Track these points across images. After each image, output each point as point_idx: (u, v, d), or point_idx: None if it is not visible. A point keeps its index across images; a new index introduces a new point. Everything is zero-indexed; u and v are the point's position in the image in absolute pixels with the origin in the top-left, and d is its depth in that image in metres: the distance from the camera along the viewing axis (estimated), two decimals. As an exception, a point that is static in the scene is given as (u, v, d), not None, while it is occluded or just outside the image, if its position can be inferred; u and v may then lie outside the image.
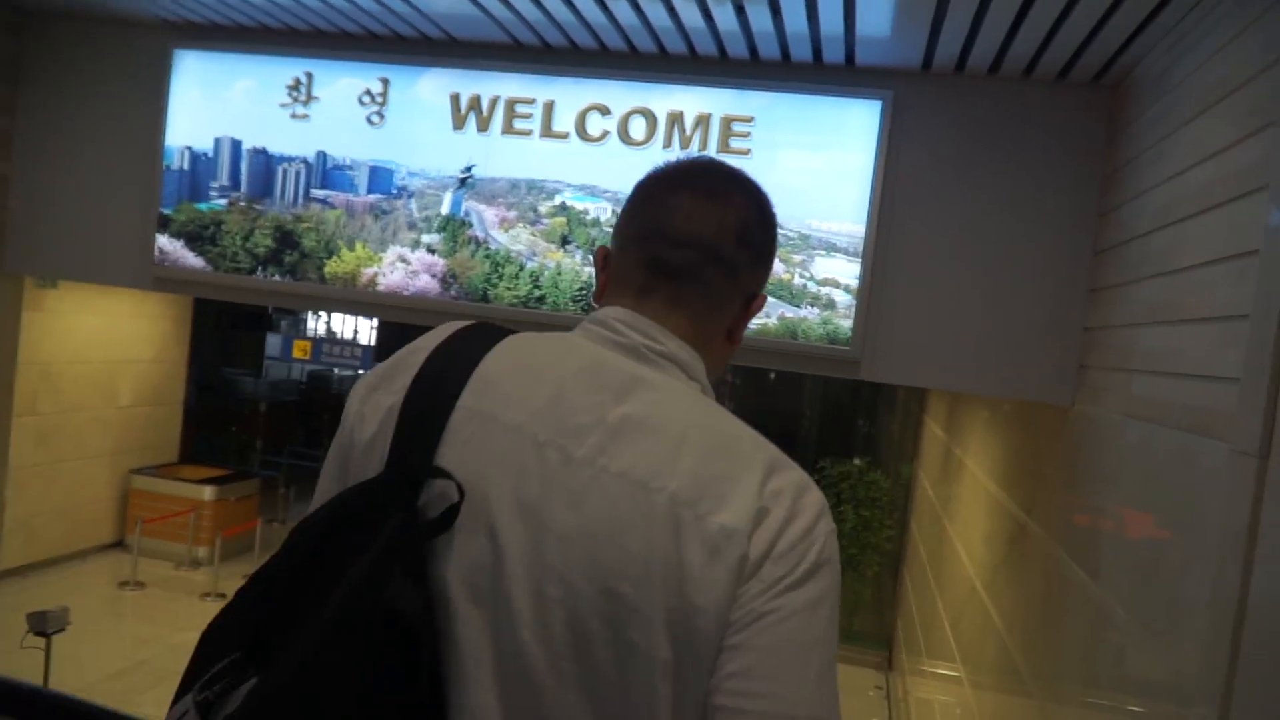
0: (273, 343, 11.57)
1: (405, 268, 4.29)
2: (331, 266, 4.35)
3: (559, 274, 4.16)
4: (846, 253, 3.90)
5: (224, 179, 4.48)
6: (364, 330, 31.74)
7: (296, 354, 11.87)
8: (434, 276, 4.27)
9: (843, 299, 3.92)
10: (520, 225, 4.21)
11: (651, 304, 1.13)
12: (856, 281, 3.89)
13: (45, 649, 5.60)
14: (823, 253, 3.94)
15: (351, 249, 4.34)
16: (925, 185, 3.85)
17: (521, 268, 4.19)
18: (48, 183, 4.69)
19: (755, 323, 3.92)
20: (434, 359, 1.07)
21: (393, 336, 27.85)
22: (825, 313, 3.93)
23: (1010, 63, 3.62)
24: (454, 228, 4.26)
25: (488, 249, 4.23)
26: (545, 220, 4.19)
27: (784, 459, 1.04)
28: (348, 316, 29.95)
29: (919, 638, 8.01)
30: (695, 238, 1.12)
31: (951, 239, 3.82)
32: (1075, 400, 3.61)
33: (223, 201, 4.48)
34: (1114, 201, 3.44)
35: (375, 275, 4.32)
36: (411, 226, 4.31)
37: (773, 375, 18.88)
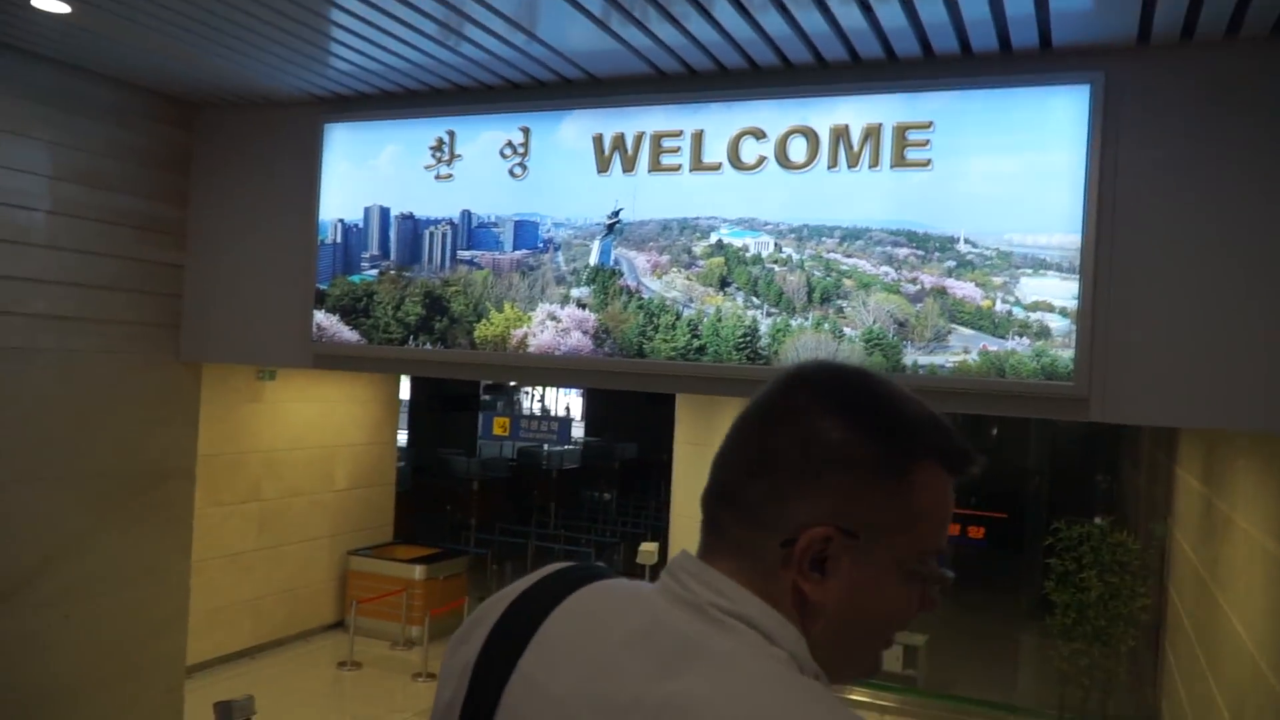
0: (483, 421, 11.71)
1: (555, 325, 3.97)
2: (481, 330, 4.09)
3: (719, 320, 3.70)
4: (1060, 269, 3.24)
5: (374, 248, 4.34)
6: (574, 402, 32.34)
7: (496, 430, 11.95)
8: (586, 333, 3.92)
9: (1059, 324, 3.25)
10: (674, 270, 3.80)
11: (710, 556, 0.94)
12: (1075, 303, 3.22)
13: None
14: (1029, 271, 3.29)
15: (500, 310, 4.07)
16: (1154, 179, 3.15)
17: (678, 316, 3.77)
18: (216, 269, 4.72)
19: (953, 360, 3.34)
20: (513, 610, 0.99)
21: (599, 405, 28.17)
22: (1038, 343, 3.27)
23: (1255, 18, 2.91)
24: (604, 278, 3.91)
25: (640, 298, 3.84)
26: (701, 262, 3.77)
27: None
28: (560, 390, 30.55)
29: (1192, 726, 6.82)
30: (714, 475, 0.99)
31: (1195, 241, 3.09)
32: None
33: (374, 272, 4.33)
34: None
35: (525, 336, 4.02)
36: (560, 281, 3.99)
37: (994, 430, 17.55)
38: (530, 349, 4.00)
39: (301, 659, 11.24)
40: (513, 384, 31.98)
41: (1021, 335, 3.30)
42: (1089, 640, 9.80)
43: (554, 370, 4.01)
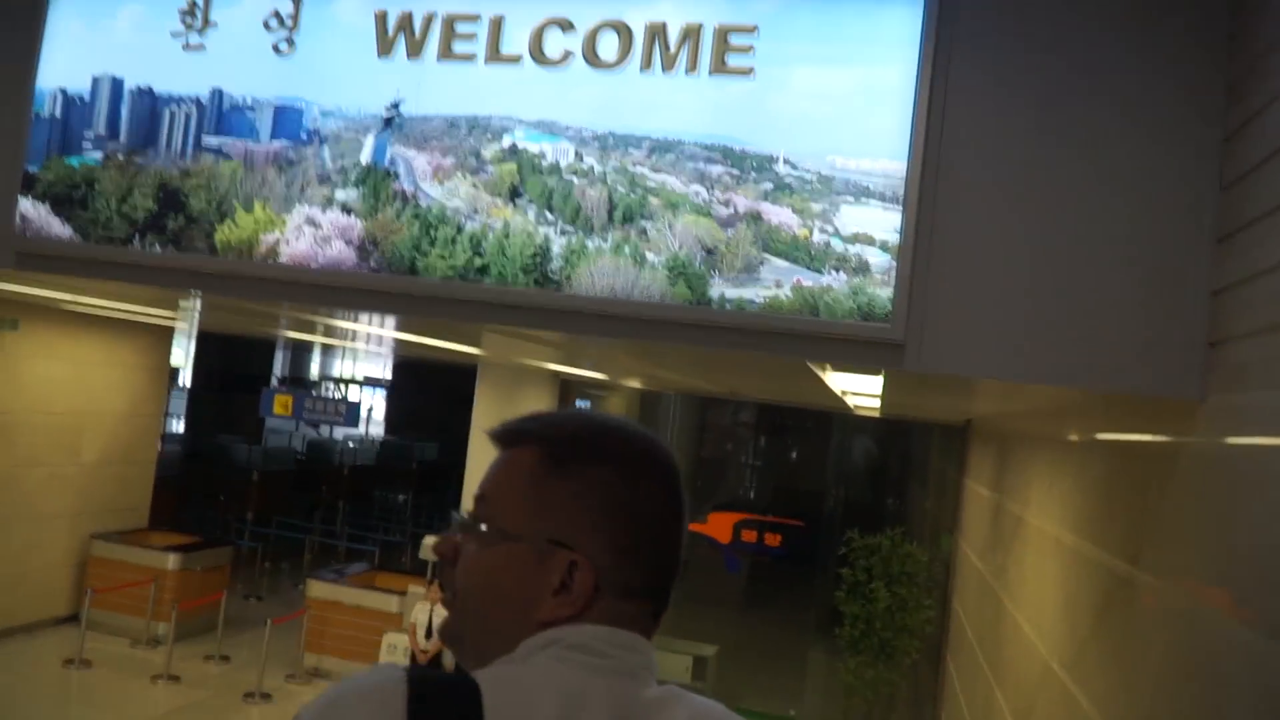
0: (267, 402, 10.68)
1: (314, 233, 3.36)
2: (224, 233, 3.43)
3: (506, 237, 3.21)
4: (883, 198, 2.93)
5: (100, 127, 3.60)
6: (379, 403, 30.97)
7: (277, 410, 10.94)
8: (350, 243, 3.33)
9: (879, 260, 2.93)
10: (459, 175, 3.28)
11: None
12: (897, 236, 2.91)
13: None
14: (850, 199, 2.96)
15: (249, 210, 3.42)
16: (986, 105, 2.88)
17: (459, 229, 3.25)
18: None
19: (764, 295, 2.98)
20: None
21: (401, 403, 26.96)
22: (856, 279, 2.94)
23: (1102, -66, 2.69)
24: (376, 180, 3.34)
25: (417, 206, 3.30)
26: (491, 168, 3.26)
27: None
28: (363, 388, 29.12)
29: (969, 737, 6.78)
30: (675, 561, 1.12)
31: (1024, 175, 2.84)
32: (1208, 390, 2.58)
33: (97, 154, 3.59)
34: (1252, 108, 2.46)
35: (277, 243, 3.39)
36: (323, 180, 3.39)
37: (794, 454, 17.78)
38: (282, 259, 3.38)
39: (22, 654, 9.81)
40: (314, 377, 30.37)
41: (839, 270, 2.96)
42: (875, 653, 9.82)
43: (306, 286, 3.39)
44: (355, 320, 4.98)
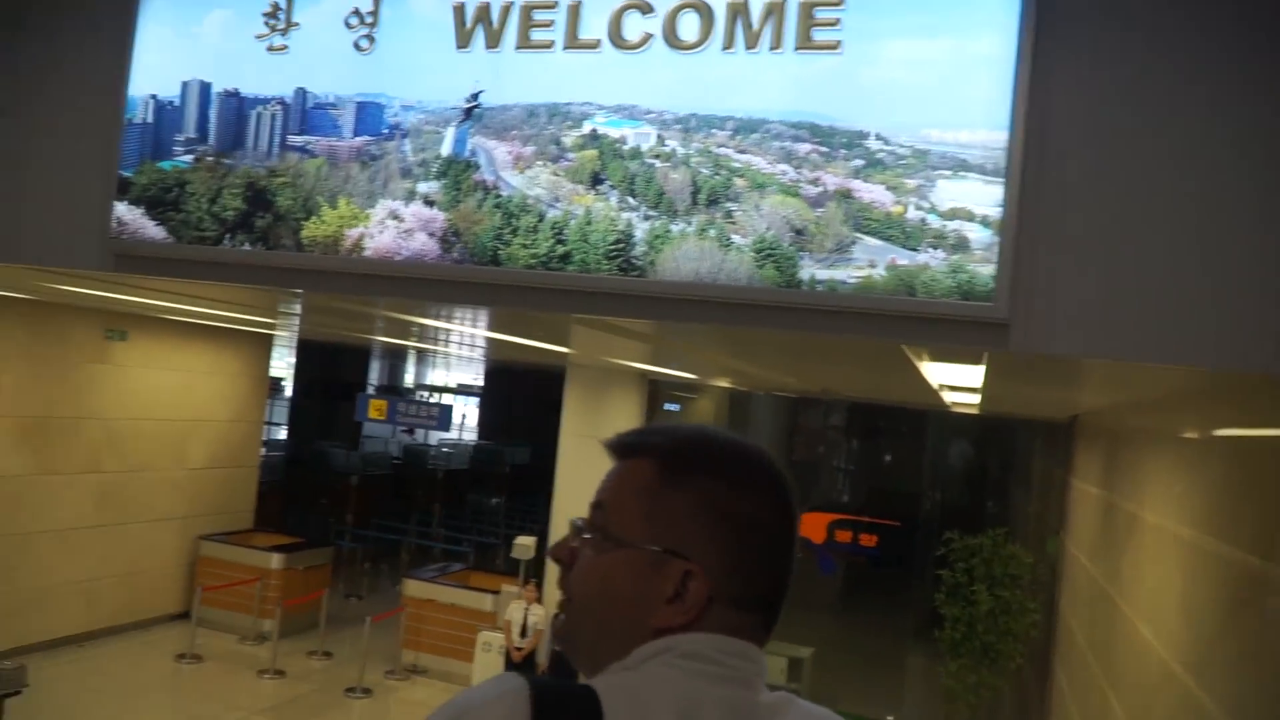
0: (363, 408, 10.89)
1: (397, 226, 3.35)
2: (310, 229, 3.44)
3: (588, 224, 3.14)
4: (982, 171, 2.77)
5: (190, 130, 3.66)
6: (471, 412, 31.46)
7: (372, 414, 11.12)
8: (432, 235, 3.31)
9: (979, 236, 2.77)
10: (540, 163, 3.23)
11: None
12: (998, 211, 2.75)
13: None
14: (947, 173, 2.82)
15: (334, 206, 3.43)
16: (1092, 70, 2.71)
17: (541, 218, 3.20)
18: (2, 151, 3.96)
19: (856, 275, 2.86)
20: None
21: (494, 409, 27.32)
22: (955, 256, 2.79)
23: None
24: (457, 172, 3.31)
25: (499, 196, 3.26)
26: (571, 155, 3.20)
27: None
28: (457, 397, 29.61)
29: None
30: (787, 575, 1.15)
31: (1133, 142, 2.66)
32: (1348, 367, 2.36)
33: (188, 157, 3.65)
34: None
35: (361, 237, 3.39)
36: (406, 174, 3.37)
37: (888, 457, 17.39)
38: (366, 253, 3.37)
39: (138, 649, 10.20)
40: (409, 385, 31.01)
41: (936, 247, 2.81)
42: (977, 657, 9.50)
43: (391, 279, 3.39)
44: (442, 316, 4.99)
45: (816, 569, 11.28)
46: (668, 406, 16.24)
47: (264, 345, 12.35)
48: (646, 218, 3.10)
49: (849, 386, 8.62)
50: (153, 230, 3.66)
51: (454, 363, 27.75)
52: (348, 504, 16.46)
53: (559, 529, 10.63)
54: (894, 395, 9.50)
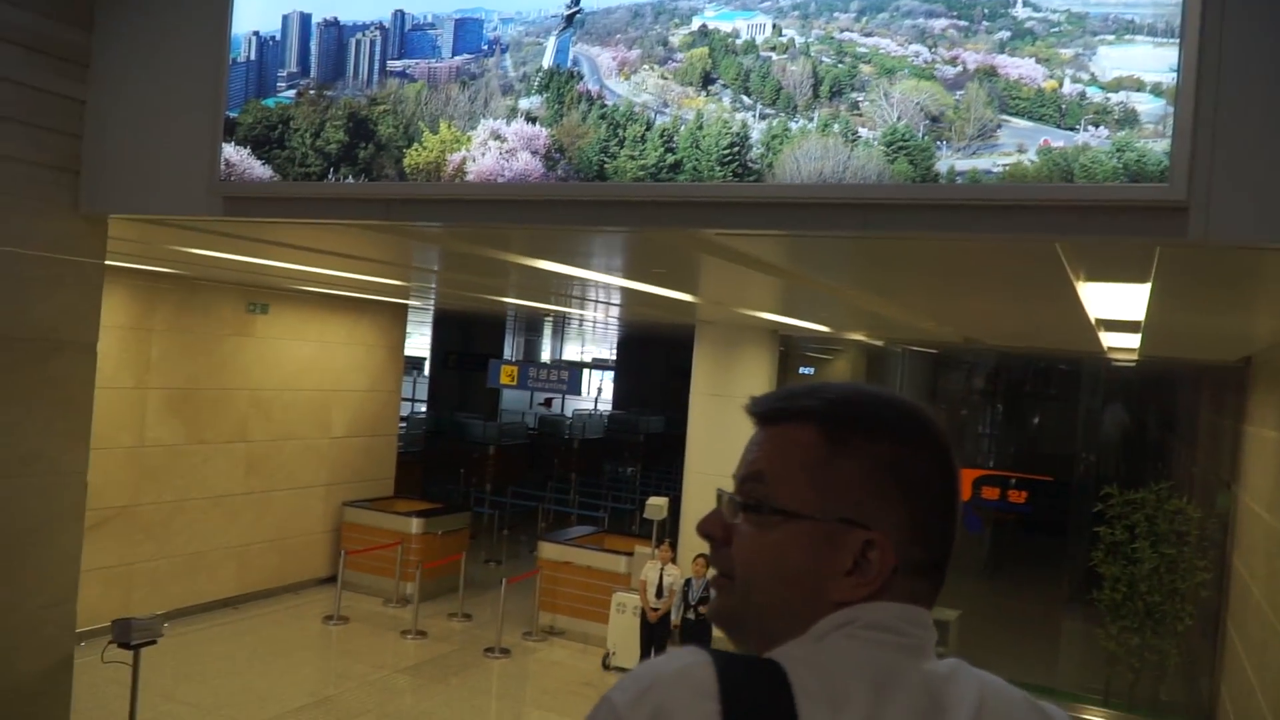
0: (493, 372, 10.98)
1: (500, 146, 3.17)
2: (411, 157, 3.31)
3: (700, 128, 2.89)
4: (1153, 32, 2.39)
5: (293, 64, 3.57)
6: (593, 371, 31.68)
7: (504, 379, 11.18)
8: (535, 153, 3.12)
9: (1150, 107, 2.40)
10: (646, 67, 2.99)
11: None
12: (1172, 77, 2.37)
13: (133, 664, 4.81)
14: (1109, 38, 2.44)
15: (435, 131, 3.28)
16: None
17: (649, 126, 2.96)
18: (122, 105, 3.98)
19: (1003, 163, 2.54)
20: None
21: (628, 379, 27.41)
22: (1121, 133, 2.42)
23: None
24: (559, 84, 3.11)
25: (604, 106, 3.04)
26: (679, 55, 2.95)
27: None
28: (590, 371, 29.90)
29: (1263, 711, 5.91)
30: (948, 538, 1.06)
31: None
32: None
33: (291, 92, 3.56)
34: None
35: (463, 161, 3.23)
36: (506, 90, 3.19)
37: (1036, 419, 16.50)
38: (469, 177, 3.21)
39: (287, 611, 10.56)
40: (545, 360, 31.42)
41: (1098, 124, 2.45)
42: (1140, 618, 8.86)
43: (494, 203, 3.22)
44: (560, 255, 4.82)
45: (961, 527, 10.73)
46: (802, 370, 15.85)
47: (399, 316, 12.58)
48: (763, 117, 2.83)
49: (994, 330, 8.08)
50: (259, 170, 3.59)
51: (589, 337, 28.10)
52: (485, 473, 16.75)
53: (691, 489, 10.46)
54: (1045, 341, 8.89)
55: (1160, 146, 2.38)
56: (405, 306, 12.65)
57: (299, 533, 11.25)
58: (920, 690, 0.95)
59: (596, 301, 8.67)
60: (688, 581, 8.57)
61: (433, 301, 12.75)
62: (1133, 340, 7.34)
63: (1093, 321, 5.73)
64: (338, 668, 9.24)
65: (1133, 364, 10.33)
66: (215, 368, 10.12)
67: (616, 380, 31.69)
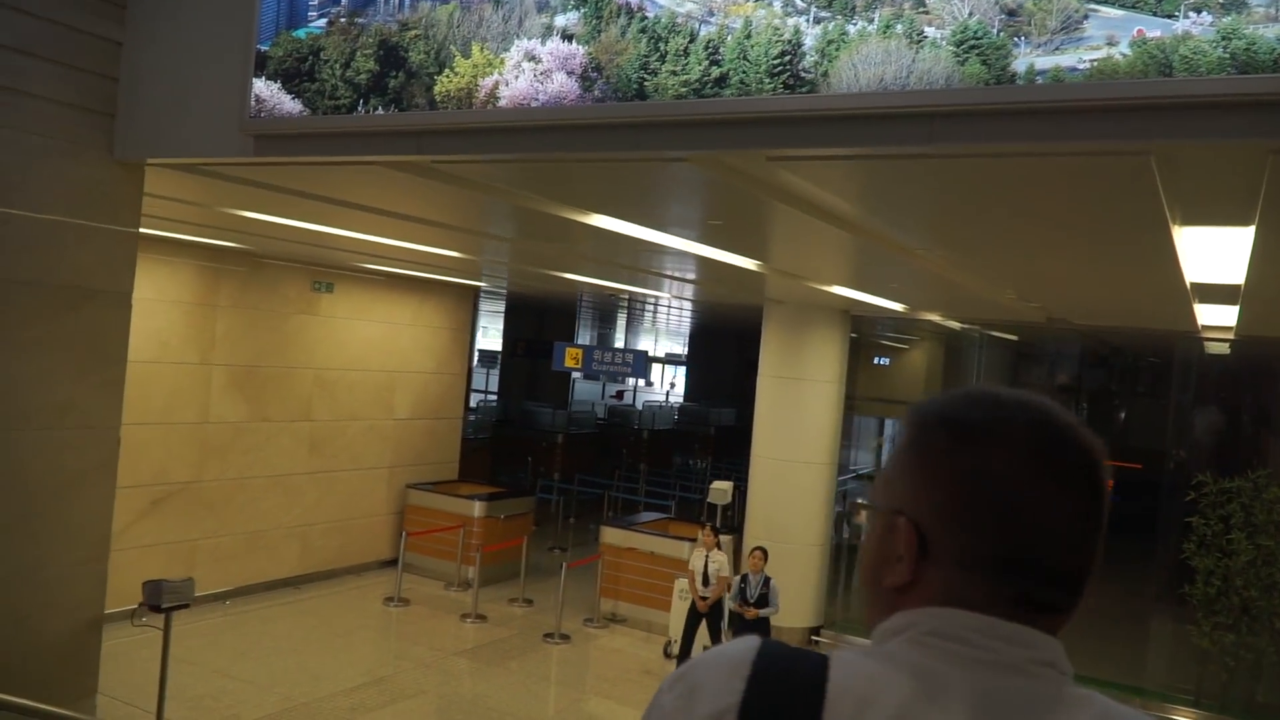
0: (557, 354, 10.82)
1: (534, 68, 2.95)
2: (443, 84, 3.11)
3: (748, 37, 2.62)
4: (1266, -104, 2.06)
5: (323, -8, 3.40)
6: (666, 367, 31.45)
7: (568, 362, 11.01)
8: (571, 74, 2.89)
9: (1263, -17, 2.07)
10: (690, -27, 2.74)
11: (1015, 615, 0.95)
12: (1291, -54, 2.03)
13: (164, 627, 4.70)
14: (1216, -94, 2.12)
15: (467, 55, 3.07)
16: None
17: (692, 38, 2.71)
18: (159, 48, 3.87)
19: (1091, 58, 2.22)
20: None
21: (699, 372, 27.16)
22: (1227, 19, 2.09)
23: None
24: (597, -4, 2.87)
25: (644, 18, 2.79)
26: (726, -42, 2.69)
27: None
28: (663, 367, 29.75)
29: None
30: (1078, 570, 0.96)
31: None
32: None
33: (322, 22, 3.39)
34: None
35: (496, 85, 3.01)
36: (542, 8, 2.96)
37: (1122, 415, 15.78)
38: (501, 102, 3.00)
39: (349, 593, 10.52)
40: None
41: (1200, 10, 2.12)
42: (1235, 614, 8.29)
43: (527, 130, 2.99)
44: (601, 207, 4.59)
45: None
46: (877, 360, 15.40)
47: (466, 298, 12.50)
48: (817, 20, 2.55)
49: (1080, 305, 7.60)
50: (289, 105, 3.43)
51: (662, 330, 27.91)
52: (553, 462, 16.64)
53: (758, 475, 10.16)
54: (1135, 319, 8.38)
55: (1273, 32, 2.05)
56: (474, 289, 12.57)
57: (362, 514, 11.24)
58: (977, 703, 0.89)
59: (662, 276, 8.42)
60: (744, 577, 7.97)
61: (504, 285, 12.64)
62: (1229, 314, 6.85)
63: (1188, 287, 5.30)
64: (395, 649, 9.15)
65: (1227, 348, 9.72)
66: (280, 346, 10.14)
67: (688, 373, 31.50)
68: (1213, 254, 4.24)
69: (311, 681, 7.82)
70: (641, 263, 7.48)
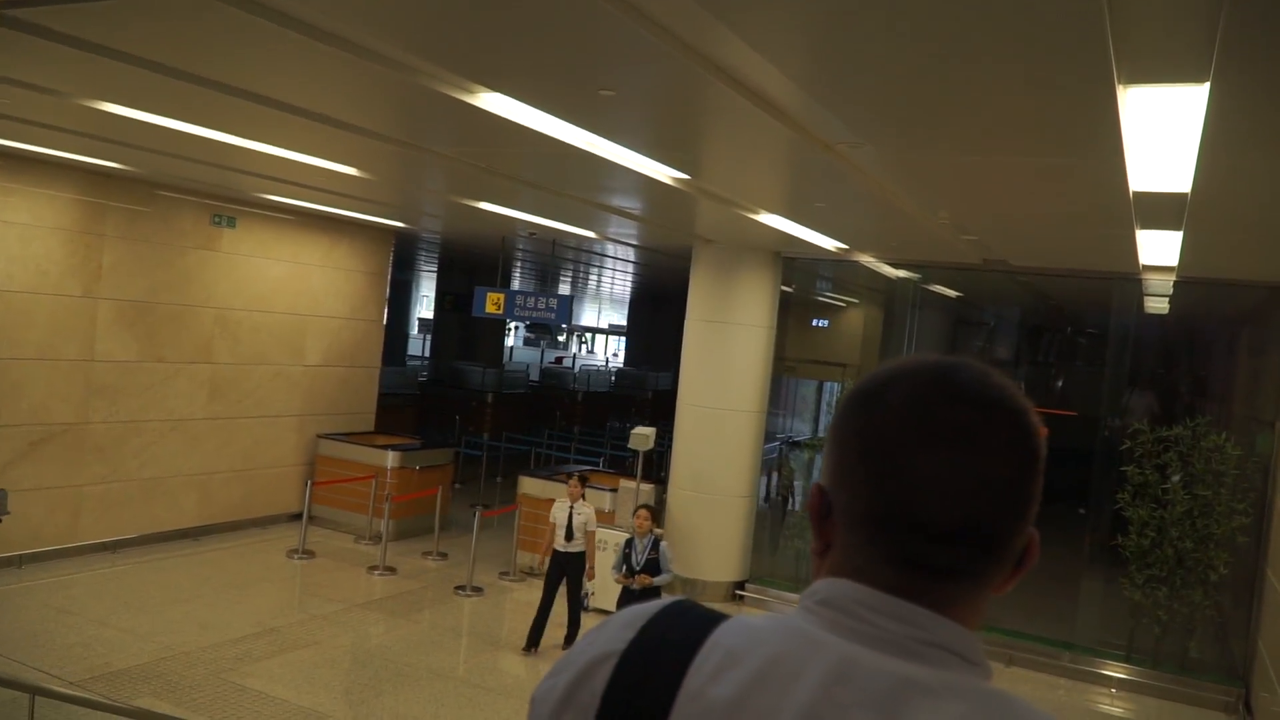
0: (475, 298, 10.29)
1: None
2: None
3: None
4: None
5: None
6: (610, 337, 31.02)
7: (489, 308, 10.48)
8: None
9: None
10: None
11: (909, 594, 0.90)
12: None
13: None
14: None
15: None
16: None
17: None
18: None
19: None
20: (624, 672, 0.92)
21: (640, 337, 26.74)
22: None
23: None
24: None
25: None
26: None
27: None
28: (607, 336, 29.24)
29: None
30: (966, 526, 0.88)
31: None
32: None
33: None
34: None
35: None
36: None
37: (1060, 382, 15.66)
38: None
39: (251, 545, 9.84)
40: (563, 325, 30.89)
41: None
42: (1169, 566, 8.06)
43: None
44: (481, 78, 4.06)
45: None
46: (816, 322, 15.06)
47: (384, 241, 11.87)
48: None
49: (1017, 240, 7.23)
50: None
51: (604, 300, 27.39)
52: (483, 421, 16.14)
53: (685, 424, 9.74)
54: (1076, 259, 8.05)
55: None
56: (393, 231, 11.91)
57: (268, 464, 10.63)
58: (834, 670, 0.84)
59: (590, 204, 7.88)
60: (629, 542, 7.18)
61: (422, 227, 12.01)
62: (1173, 247, 6.53)
63: (1131, 198, 4.93)
64: (293, 601, 8.59)
65: (1167, 295, 9.49)
66: (176, 282, 9.46)
67: (628, 340, 31.15)
68: (1159, 141, 3.86)
69: (197, 631, 7.25)
70: (569, 186, 6.94)
